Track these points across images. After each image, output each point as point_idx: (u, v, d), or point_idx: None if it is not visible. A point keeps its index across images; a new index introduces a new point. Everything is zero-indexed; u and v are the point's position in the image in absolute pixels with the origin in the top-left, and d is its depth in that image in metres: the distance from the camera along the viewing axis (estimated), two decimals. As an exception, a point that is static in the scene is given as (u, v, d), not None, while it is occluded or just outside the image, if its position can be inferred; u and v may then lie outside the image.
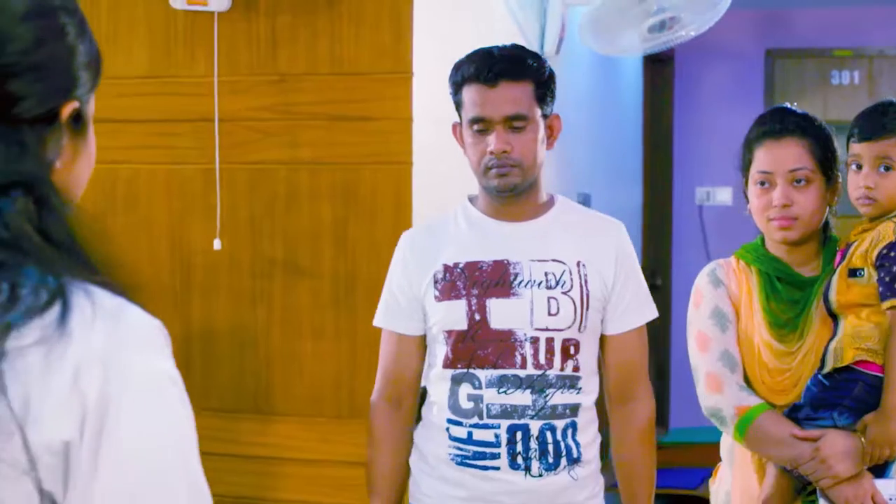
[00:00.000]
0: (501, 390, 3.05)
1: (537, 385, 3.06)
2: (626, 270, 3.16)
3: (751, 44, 8.90)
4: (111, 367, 1.31)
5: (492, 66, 3.04)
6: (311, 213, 4.03)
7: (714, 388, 3.11)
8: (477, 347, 3.08)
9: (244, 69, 4.07)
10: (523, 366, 3.06)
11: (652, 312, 3.23)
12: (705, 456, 4.42)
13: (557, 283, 3.08)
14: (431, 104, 4.01)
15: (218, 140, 4.07)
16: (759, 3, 8.48)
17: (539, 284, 3.08)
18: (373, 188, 3.96)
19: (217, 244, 4.06)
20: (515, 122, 3.04)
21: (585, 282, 3.10)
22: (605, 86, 7.36)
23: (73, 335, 1.30)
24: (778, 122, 3.17)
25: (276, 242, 4.08)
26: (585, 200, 6.31)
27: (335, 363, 4.02)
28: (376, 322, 3.25)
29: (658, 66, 8.67)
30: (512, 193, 3.10)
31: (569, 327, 3.07)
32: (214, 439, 4.06)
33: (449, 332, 3.11)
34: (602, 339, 3.19)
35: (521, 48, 3.15)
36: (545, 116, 3.11)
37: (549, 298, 3.07)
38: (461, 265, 3.12)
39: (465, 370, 3.09)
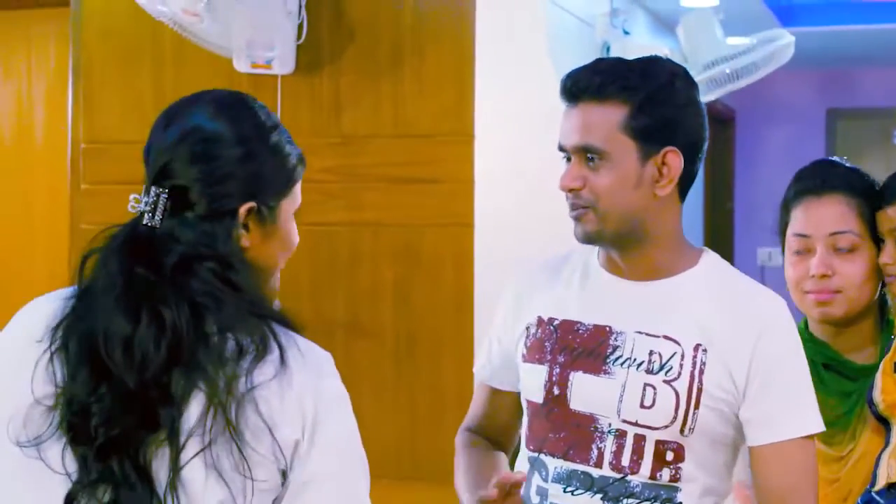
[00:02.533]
0: (568, 489, 2.39)
1: (612, 492, 2.36)
2: (769, 365, 2.34)
3: (812, 103, 8.89)
4: (319, 391, 1.94)
5: (577, 80, 2.38)
6: (373, 274, 4.04)
7: (743, 500, 2.51)
8: (550, 429, 2.43)
9: (307, 131, 4.10)
10: (598, 464, 2.37)
11: (813, 424, 2.36)
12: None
13: (662, 367, 2.35)
14: (493, 166, 4.02)
15: (281, 201, 4.09)
16: (821, 63, 8.46)
17: (639, 365, 2.36)
18: (434, 250, 3.97)
19: (277, 305, 4.06)
20: (588, 155, 2.35)
21: (700, 372, 2.34)
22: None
23: (293, 369, 1.89)
24: (819, 177, 2.66)
25: (337, 303, 4.09)
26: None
27: (397, 424, 4.01)
28: (474, 369, 2.71)
29: (720, 126, 8.66)
30: (598, 244, 2.44)
31: (665, 426, 2.33)
32: (276, 500, 4.06)
33: (528, 403, 2.50)
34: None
35: (645, 60, 2.43)
36: (647, 152, 2.35)
37: (645, 385, 2.35)
38: (557, 322, 2.46)
39: (536, 454, 2.46)
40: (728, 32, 5.32)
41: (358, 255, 4.06)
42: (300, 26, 4.03)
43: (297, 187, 2.07)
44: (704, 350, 2.34)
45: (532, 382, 2.46)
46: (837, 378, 2.63)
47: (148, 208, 1.91)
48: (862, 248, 2.60)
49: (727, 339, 2.34)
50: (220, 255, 1.91)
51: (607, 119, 2.33)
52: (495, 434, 2.66)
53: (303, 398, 1.90)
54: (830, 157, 2.81)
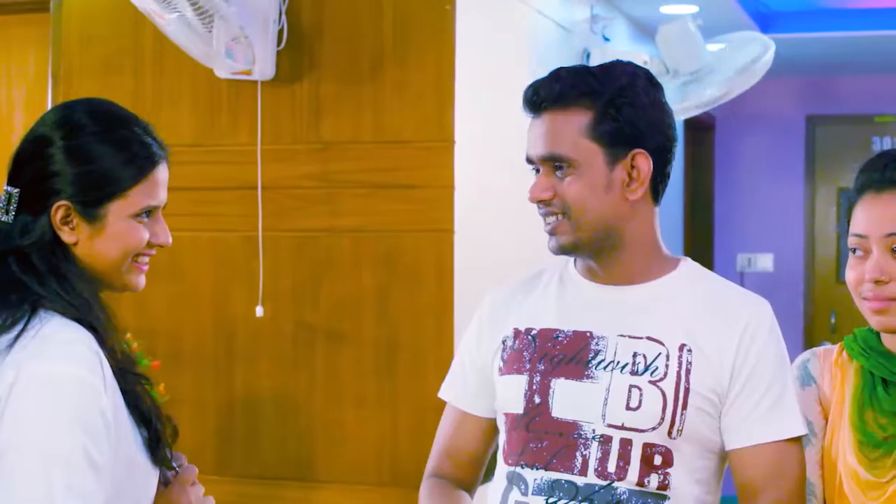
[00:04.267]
0: (551, 500, 2.29)
1: (598, 500, 2.27)
2: (754, 365, 2.30)
3: (791, 110, 8.91)
4: (25, 369, 1.97)
5: (538, 90, 2.35)
6: (354, 281, 4.04)
7: None
8: (530, 439, 2.34)
9: (287, 138, 4.10)
10: (583, 471, 2.28)
11: (795, 428, 2.31)
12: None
13: (647, 368, 2.29)
14: (474, 172, 4.02)
15: (261, 208, 4.10)
16: (800, 70, 8.49)
17: (623, 368, 2.30)
18: (415, 256, 3.97)
19: (259, 311, 4.07)
20: (555, 164, 2.32)
21: (687, 372, 2.28)
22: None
23: (17, 346, 2.00)
24: (880, 171, 2.33)
25: (318, 309, 4.09)
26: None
27: (378, 430, 4.01)
28: (440, 393, 2.61)
29: (699, 133, 8.68)
30: (574, 255, 2.40)
31: (653, 428, 2.26)
32: (256, 507, 4.06)
33: (506, 416, 2.40)
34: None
35: (606, 65, 2.40)
36: (615, 155, 2.31)
37: (630, 387, 2.28)
38: (534, 332, 2.40)
39: (513, 468, 2.36)
40: (707, 39, 5.34)
41: (338, 262, 4.06)
42: (280, 32, 4.03)
43: (142, 188, 2.16)
44: (689, 350, 2.29)
45: (510, 393, 2.38)
46: (894, 396, 2.32)
47: (2, 206, 2.13)
48: None
49: (712, 339, 2.31)
50: (18, 249, 2.10)
51: (571, 126, 2.30)
52: (462, 466, 2.55)
53: (6, 371, 1.98)
54: None
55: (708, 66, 5.20)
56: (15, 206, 2.11)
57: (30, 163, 2.13)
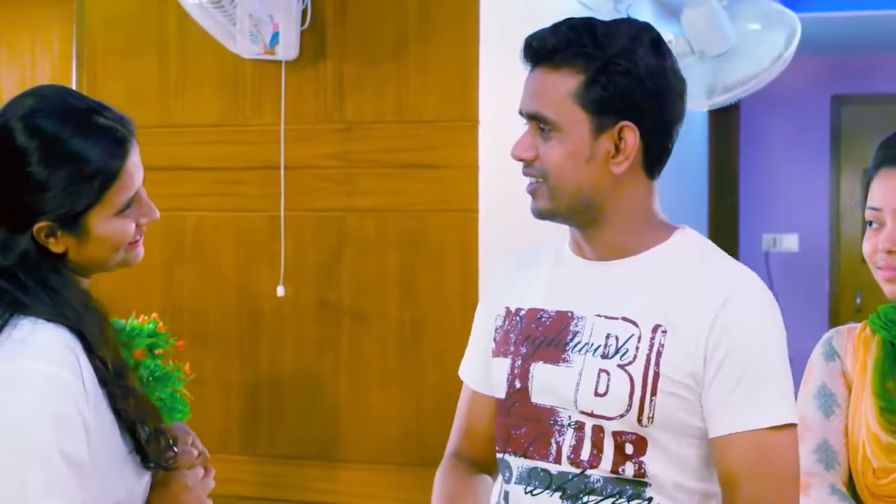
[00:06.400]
0: (528, 489, 2.22)
1: (570, 489, 2.17)
2: (731, 345, 2.10)
3: (816, 90, 8.87)
4: None
5: (533, 42, 2.21)
6: (377, 261, 4.04)
7: (802, 489, 2.23)
8: (511, 425, 2.26)
9: (311, 117, 4.10)
10: (557, 459, 2.18)
11: (778, 416, 2.11)
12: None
13: (617, 351, 2.15)
14: (498, 152, 4.01)
15: (284, 188, 4.10)
16: (825, 49, 8.44)
17: (595, 350, 2.17)
18: (439, 236, 3.97)
19: (280, 291, 4.08)
20: (540, 124, 2.20)
21: (658, 354, 2.12)
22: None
23: None
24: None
25: (341, 289, 4.09)
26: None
27: (402, 410, 4.01)
28: (459, 370, 2.55)
29: (723, 114, 8.63)
30: (553, 220, 2.26)
31: (620, 416, 2.13)
32: (282, 486, 4.07)
33: (497, 401, 2.34)
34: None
35: (612, 24, 2.21)
36: (601, 125, 2.15)
37: (599, 371, 2.15)
38: (523, 312, 2.30)
39: (501, 454, 2.29)
40: (732, 18, 5.31)
41: (361, 242, 4.06)
42: (304, 12, 4.03)
43: (117, 186, 2.09)
44: (664, 331, 2.12)
45: (498, 377, 2.29)
46: None
47: None
48: None
49: (686, 318, 2.12)
50: (7, 255, 2.05)
51: (560, 88, 2.15)
52: (478, 446, 2.45)
53: None
54: None
55: (735, 48, 5.17)
56: None
57: (17, 167, 2.04)
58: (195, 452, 2.26)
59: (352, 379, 4.07)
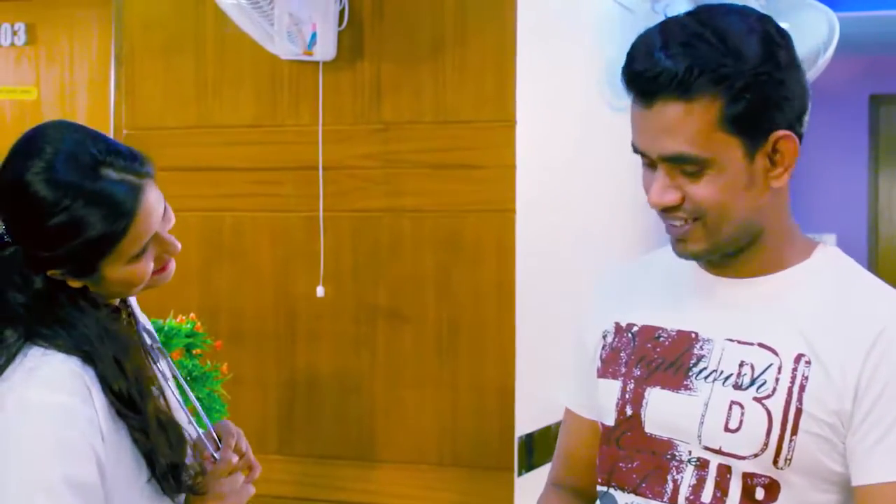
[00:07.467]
0: None
1: None
2: (886, 383, 1.85)
3: (854, 90, 8.83)
4: (2, 400, 1.96)
5: (647, 73, 1.86)
6: (415, 261, 4.04)
7: None
8: (621, 457, 2.03)
9: (348, 118, 4.10)
10: (673, 499, 1.95)
11: None
12: None
13: (753, 382, 1.90)
14: (535, 152, 4.01)
15: (322, 188, 4.10)
16: (863, 49, 8.40)
17: (725, 379, 1.93)
18: (476, 236, 3.96)
19: (320, 291, 4.08)
20: (683, 166, 1.89)
21: (801, 389, 1.87)
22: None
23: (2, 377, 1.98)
24: None
25: (379, 290, 4.09)
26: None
27: (438, 410, 4.01)
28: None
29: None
30: (704, 259, 2.01)
31: (755, 455, 1.89)
32: (317, 486, 4.07)
33: (602, 427, 2.11)
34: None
35: (723, 28, 1.88)
36: (754, 144, 1.90)
37: (732, 404, 1.91)
38: (635, 329, 2.07)
39: (605, 488, 2.07)
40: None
41: (399, 242, 4.06)
42: (342, 12, 4.03)
43: (129, 237, 2.07)
44: (808, 362, 1.88)
45: (605, 402, 2.07)
46: None
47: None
48: None
49: (835, 349, 1.88)
50: (25, 292, 2.07)
51: (702, 119, 1.85)
52: (579, 473, 2.24)
53: None
54: None
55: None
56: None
57: (25, 225, 2.05)
58: (234, 459, 2.24)
59: (388, 379, 4.07)
